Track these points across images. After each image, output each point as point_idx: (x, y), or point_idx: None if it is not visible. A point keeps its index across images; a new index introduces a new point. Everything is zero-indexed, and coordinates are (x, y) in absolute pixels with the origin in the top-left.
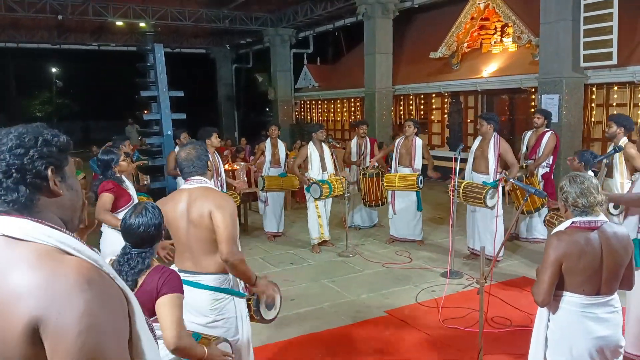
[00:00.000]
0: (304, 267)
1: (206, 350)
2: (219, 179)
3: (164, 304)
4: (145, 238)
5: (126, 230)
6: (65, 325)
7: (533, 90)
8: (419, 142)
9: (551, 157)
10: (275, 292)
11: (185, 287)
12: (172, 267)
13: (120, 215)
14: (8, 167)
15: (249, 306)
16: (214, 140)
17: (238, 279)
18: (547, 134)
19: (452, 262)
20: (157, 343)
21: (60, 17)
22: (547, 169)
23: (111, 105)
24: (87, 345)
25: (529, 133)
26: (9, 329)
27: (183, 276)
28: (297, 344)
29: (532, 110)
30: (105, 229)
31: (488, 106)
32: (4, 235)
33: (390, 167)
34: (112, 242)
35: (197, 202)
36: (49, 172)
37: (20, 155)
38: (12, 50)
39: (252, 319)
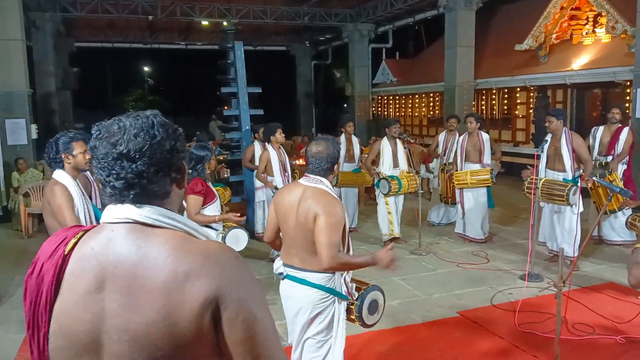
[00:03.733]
0: None
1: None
2: (286, 174)
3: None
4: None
5: None
6: (242, 293)
7: (628, 83)
8: (485, 136)
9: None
10: (395, 260)
11: (292, 283)
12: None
13: (204, 212)
14: (160, 162)
15: (350, 310)
16: (278, 136)
17: (342, 282)
18: (625, 130)
19: (532, 264)
20: None
21: (150, 17)
22: (626, 166)
23: (198, 102)
24: (262, 303)
25: (601, 128)
26: (181, 308)
27: (290, 272)
28: (364, 340)
29: (627, 105)
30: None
31: (578, 101)
32: (136, 222)
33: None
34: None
35: (308, 201)
36: (185, 166)
37: (169, 150)
38: (108, 50)
39: (353, 321)
